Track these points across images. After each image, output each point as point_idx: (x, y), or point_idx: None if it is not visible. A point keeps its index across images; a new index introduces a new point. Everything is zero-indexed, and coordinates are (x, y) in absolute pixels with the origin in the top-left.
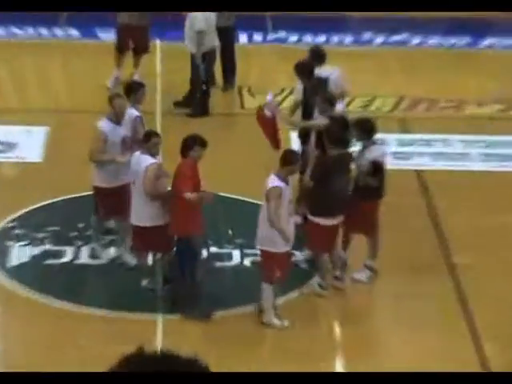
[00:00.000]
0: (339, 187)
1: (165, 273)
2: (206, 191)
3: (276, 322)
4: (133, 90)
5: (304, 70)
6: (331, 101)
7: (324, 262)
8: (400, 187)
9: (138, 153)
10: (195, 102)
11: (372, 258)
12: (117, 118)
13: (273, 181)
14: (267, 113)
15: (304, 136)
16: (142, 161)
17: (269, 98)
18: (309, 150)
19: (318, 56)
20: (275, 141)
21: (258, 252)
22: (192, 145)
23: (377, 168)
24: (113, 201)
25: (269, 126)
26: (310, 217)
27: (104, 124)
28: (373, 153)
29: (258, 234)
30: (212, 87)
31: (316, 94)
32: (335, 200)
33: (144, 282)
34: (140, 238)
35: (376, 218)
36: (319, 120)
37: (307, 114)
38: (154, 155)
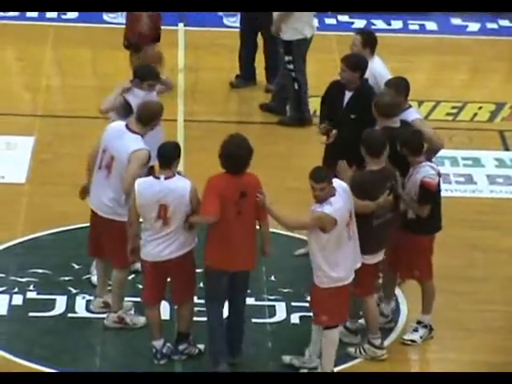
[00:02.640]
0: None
1: (180, 328)
2: None
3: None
4: None
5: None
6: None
7: (374, 308)
8: (499, 222)
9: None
10: (293, 105)
11: (427, 312)
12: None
13: None
14: None
15: None
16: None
17: None
18: None
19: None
20: None
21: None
22: None
23: (427, 192)
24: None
25: None
26: None
27: (142, 143)
28: (422, 173)
29: None
30: (248, 85)
31: None
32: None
33: (158, 344)
34: (153, 282)
35: (429, 258)
36: None
37: None
38: None
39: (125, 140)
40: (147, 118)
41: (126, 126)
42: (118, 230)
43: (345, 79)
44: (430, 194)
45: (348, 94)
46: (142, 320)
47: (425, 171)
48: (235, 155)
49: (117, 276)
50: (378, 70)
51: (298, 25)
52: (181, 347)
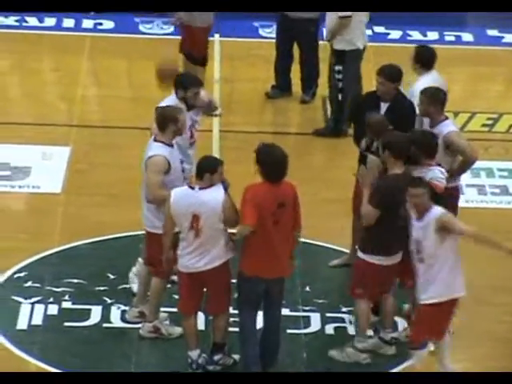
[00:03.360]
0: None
1: (215, 339)
2: None
3: None
4: None
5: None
6: None
7: (365, 311)
8: None
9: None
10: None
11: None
12: (171, 139)
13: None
14: None
15: None
16: None
17: None
18: None
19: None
20: None
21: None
22: None
23: (437, 193)
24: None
25: None
26: (361, 254)
27: (161, 149)
28: (430, 174)
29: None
30: (283, 95)
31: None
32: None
33: (193, 355)
34: (188, 292)
35: None
36: None
37: None
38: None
39: (149, 150)
40: (160, 123)
41: (154, 137)
42: (156, 243)
43: (381, 91)
44: (441, 197)
45: (384, 106)
46: (177, 330)
47: (433, 173)
48: (275, 164)
49: (155, 285)
50: (416, 92)
51: (352, 35)
52: (216, 357)
